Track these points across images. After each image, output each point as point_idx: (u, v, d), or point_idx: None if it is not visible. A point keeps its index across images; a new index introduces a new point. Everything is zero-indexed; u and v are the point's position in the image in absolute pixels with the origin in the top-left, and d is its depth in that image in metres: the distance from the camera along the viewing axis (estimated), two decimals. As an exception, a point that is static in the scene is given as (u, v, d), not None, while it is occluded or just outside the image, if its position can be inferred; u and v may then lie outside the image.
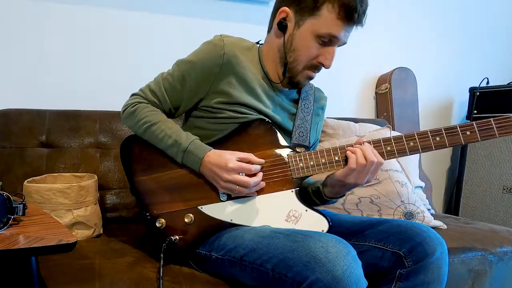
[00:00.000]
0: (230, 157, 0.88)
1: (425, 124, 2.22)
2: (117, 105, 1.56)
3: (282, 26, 0.94)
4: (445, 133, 0.87)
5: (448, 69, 2.28)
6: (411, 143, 0.89)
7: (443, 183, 2.37)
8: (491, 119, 0.86)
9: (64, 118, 1.37)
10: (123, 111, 1.02)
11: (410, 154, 0.90)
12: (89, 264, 0.92)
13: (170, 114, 1.04)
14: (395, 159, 1.55)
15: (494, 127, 0.86)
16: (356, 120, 1.75)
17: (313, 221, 0.90)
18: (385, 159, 0.90)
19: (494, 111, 2.03)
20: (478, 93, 2.08)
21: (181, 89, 0.99)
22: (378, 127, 1.70)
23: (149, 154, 0.99)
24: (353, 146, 0.90)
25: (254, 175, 0.90)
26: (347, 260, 0.72)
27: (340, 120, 1.69)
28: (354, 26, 0.92)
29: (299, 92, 1.09)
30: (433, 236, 0.90)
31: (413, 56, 2.16)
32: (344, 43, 0.94)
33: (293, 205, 0.92)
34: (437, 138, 0.88)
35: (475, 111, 2.10)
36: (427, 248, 0.88)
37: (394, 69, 2.01)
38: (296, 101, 1.08)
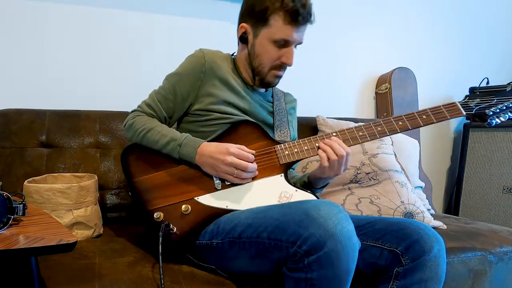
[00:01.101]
0: (230, 145, 0.97)
1: (425, 124, 2.22)
2: (117, 105, 1.57)
3: (243, 39, 1.10)
4: (406, 118, 1.02)
5: (448, 69, 2.28)
6: (379, 128, 1.02)
7: (443, 183, 2.37)
8: (441, 105, 1.02)
9: (64, 118, 1.37)
10: (124, 125, 1.12)
11: (380, 137, 1.03)
12: (89, 264, 0.92)
13: (166, 123, 1.14)
14: (395, 159, 1.55)
15: (445, 111, 1.01)
16: (356, 120, 1.75)
17: (304, 199, 0.96)
18: (359, 143, 1.02)
19: (494, 111, 2.03)
20: (478, 93, 2.08)
21: (174, 99, 1.10)
22: (378, 127, 1.70)
23: (146, 158, 1.05)
24: (324, 139, 1.01)
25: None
26: (338, 216, 0.76)
27: (340, 120, 1.69)
28: (304, 26, 1.04)
29: (272, 96, 1.23)
30: (430, 234, 0.91)
31: (413, 56, 2.16)
32: (300, 43, 1.07)
33: (283, 188, 0.99)
34: (400, 123, 1.02)
35: (475, 111, 2.10)
36: (424, 245, 0.89)
37: (394, 69, 2.01)
38: (271, 103, 1.21)
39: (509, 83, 2.03)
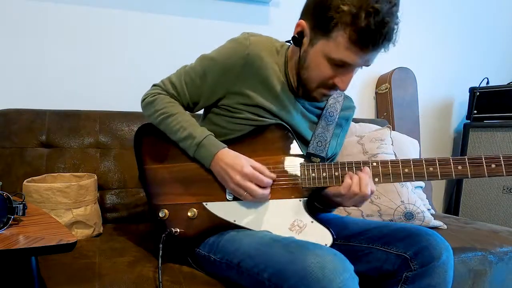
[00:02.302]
0: (246, 163, 0.88)
1: (425, 124, 2.22)
2: (117, 105, 1.57)
3: (296, 41, 0.89)
4: (469, 163, 0.85)
5: (448, 69, 2.28)
6: (431, 169, 0.86)
7: (443, 183, 2.37)
8: None
9: (64, 118, 1.37)
10: (143, 100, 1.02)
11: (428, 180, 0.88)
12: (89, 264, 0.92)
13: (189, 108, 1.03)
14: (394, 159, 1.55)
15: None
16: (356, 120, 1.75)
17: (316, 233, 0.88)
18: (401, 181, 0.89)
19: (494, 111, 2.03)
20: (478, 93, 2.08)
21: (201, 85, 0.98)
22: (378, 127, 1.70)
23: (161, 145, 0.99)
24: (355, 171, 0.89)
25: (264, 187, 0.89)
26: (343, 277, 0.70)
27: (340, 120, 1.69)
28: (377, 51, 0.83)
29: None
30: (439, 240, 0.90)
31: (413, 56, 2.16)
32: (367, 66, 0.87)
33: (299, 215, 0.90)
34: (460, 167, 0.85)
35: (475, 111, 2.10)
36: (433, 252, 0.88)
37: (394, 69, 2.01)
38: (321, 109, 1.03)
39: (509, 83, 2.03)
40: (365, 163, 0.89)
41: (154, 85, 1.04)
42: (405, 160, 0.88)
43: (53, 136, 1.34)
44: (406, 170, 0.88)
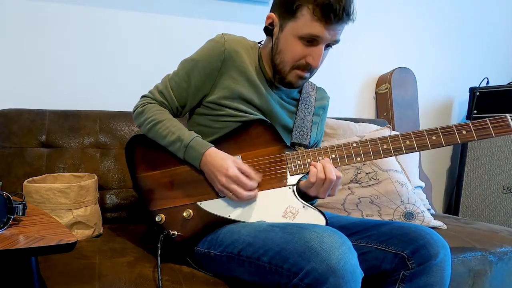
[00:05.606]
0: (232, 165, 0.91)
1: (425, 124, 2.22)
2: (117, 105, 1.57)
3: (268, 31, 1.00)
4: (441, 133, 0.91)
5: (448, 69, 2.28)
6: (407, 142, 0.92)
7: (443, 183, 2.37)
8: (487, 119, 0.90)
9: (64, 118, 1.37)
10: (133, 111, 1.07)
11: (406, 153, 0.93)
12: (89, 264, 0.92)
13: (177, 113, 1.08)
14: (395, 159, 1.55)
15: (490, 127, 0.89)
16: (356, 120, 1.75)
17: (310, 217, 0.91)
18: (382, 157, 0.93)
19: (494, 111, 2.03)
20: (478, 93, 2.08)
21: (187, 87, 1.03)
22: (378, 127, 1.70)
23: (152, 153, 1.02)
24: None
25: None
26: (341, 249, 0.73)
27: (340, 120, 1.69)
28: (340, 24, 0.90)
29: (300, 92, 1.11)
30: (436, 239, 0.90)
31: (413, 56, 2.16)
32: (336, 41, 0.94)
33: (290, 202, 0.93)
34: (433, 137, 0.91)
35: (475, 111, 2.10)
36: (430, 250, 0.88)
37: (394, 69, 2.01)
38: (296, 100, 1.10)
39: (509, 83, 2.03)
40: (346, 145, 0.95)
41: (143, 96, 1.08)
42: (382, 137, 0.93)
43: (53, 136, 1.34)
44: (385, 146, 0.93)
